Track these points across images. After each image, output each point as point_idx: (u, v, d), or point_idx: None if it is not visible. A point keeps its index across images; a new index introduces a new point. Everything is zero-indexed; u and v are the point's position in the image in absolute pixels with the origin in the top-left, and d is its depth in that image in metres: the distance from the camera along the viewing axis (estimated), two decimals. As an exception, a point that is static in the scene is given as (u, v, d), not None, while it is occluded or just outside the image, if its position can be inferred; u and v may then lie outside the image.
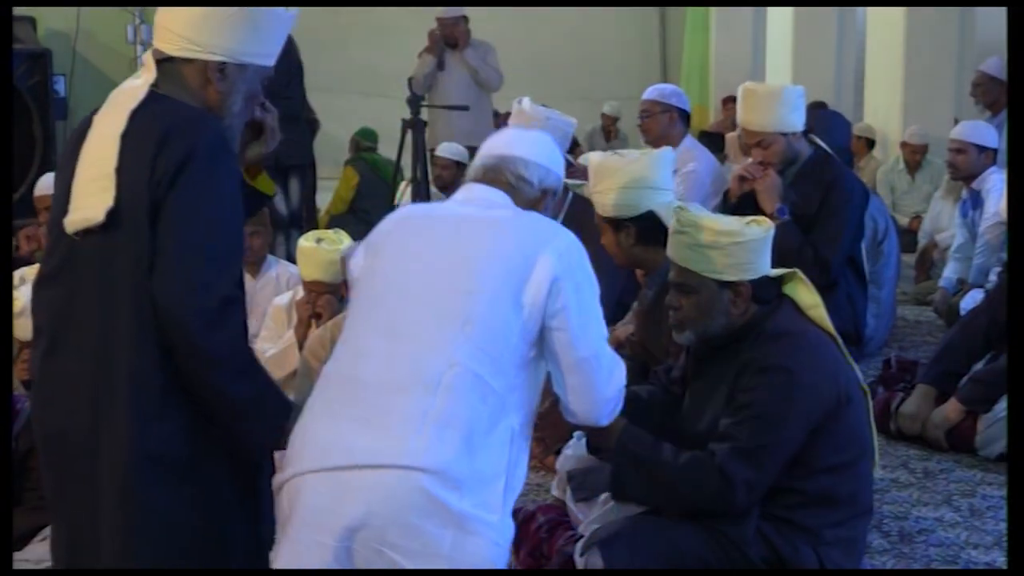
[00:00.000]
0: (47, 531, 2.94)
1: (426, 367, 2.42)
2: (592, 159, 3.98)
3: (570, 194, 4.97)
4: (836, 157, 5.33)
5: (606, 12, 13.40)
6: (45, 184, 5.51)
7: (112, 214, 2.36)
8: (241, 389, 2.42)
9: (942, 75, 9.09)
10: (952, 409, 4.46)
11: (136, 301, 2.36)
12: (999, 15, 7.84)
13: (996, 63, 7.11)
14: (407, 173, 6.57)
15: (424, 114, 6.51)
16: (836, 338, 3.11)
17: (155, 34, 2.53)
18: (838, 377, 3.01)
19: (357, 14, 12.84)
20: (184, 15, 2.47)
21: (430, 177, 6.81)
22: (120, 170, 2.37)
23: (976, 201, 6.29)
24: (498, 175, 2.73)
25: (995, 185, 6.08)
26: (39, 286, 2.53)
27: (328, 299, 4.63)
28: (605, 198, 3.78)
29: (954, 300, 6.05)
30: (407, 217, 2.78)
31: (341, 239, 4.65)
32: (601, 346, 2.57)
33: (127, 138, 2.39)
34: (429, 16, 8.44)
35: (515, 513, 3.42)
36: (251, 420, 2.46)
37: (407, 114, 6.37)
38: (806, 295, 3.12)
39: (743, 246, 3.00)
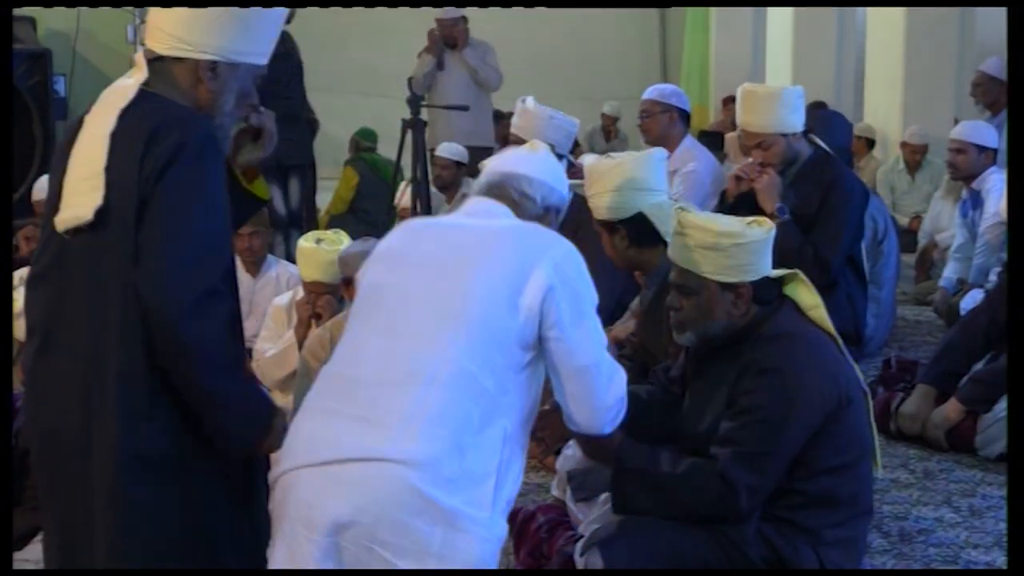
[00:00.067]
0: (47, 531, 2.94)
1: (421, 363, 2.44)
2: (586, 163, 3.99)
3: (570, 194, 4.97)
4: (836, 157, 5.33)
5: (606, 12, 13.38)
6: (41, 187, 5.51)
7: (101, 213, 2.37)
8: (220, 383, 2.40)
9: (942, 75, 9.09)
10: (952, 409, 4.45)
11: (125, 300, 2.36)
12: (999, 15, 7.84)
13: (996, 63, 7.11)
14: (407, 173, 6.57)
15: (424, 114, 6.50)
16: (837, 339, 3.11)
17: (147, 33, 2.53)
18: (838, 378, 3.00)
19: (357, 14, 12.83)
20: (175, 15, 2.47)
21: (430, 177, 6.81)
22: (109, 169, 2.38)
23: (976, 201, 6.28)
24: (502, 191, 2.76)
25: (995, 185, 6.08)
26: (31, 285, 2.53)
27: (328, 299, 4.63)
28: (599, 201, 3.79)
29: (954, 300, 6.05)
30: (410, 228, 2.81)
31: (341, 239, 4.65)
32: (600, 354, 2.58)
33: (116, 137, 2.39)
34: (429, 16, 8.45)
35: (515, 513, 3.44)
36: (231, 417, 2.44)
37: (407, 114, 6.37)
38: (807, 296, 3.12)
39: (744, 248, 2.99)
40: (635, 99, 6.63)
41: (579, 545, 3.04)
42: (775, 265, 3.10)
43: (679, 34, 13.48)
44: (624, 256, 3.82)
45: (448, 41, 8.20)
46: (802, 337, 3.03)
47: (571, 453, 3.61)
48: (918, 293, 7.05)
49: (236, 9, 2.47)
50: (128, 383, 2.38)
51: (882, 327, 5.79)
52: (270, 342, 4.94)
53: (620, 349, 4.27)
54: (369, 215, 8.21)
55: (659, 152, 3.95)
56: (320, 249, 4.60)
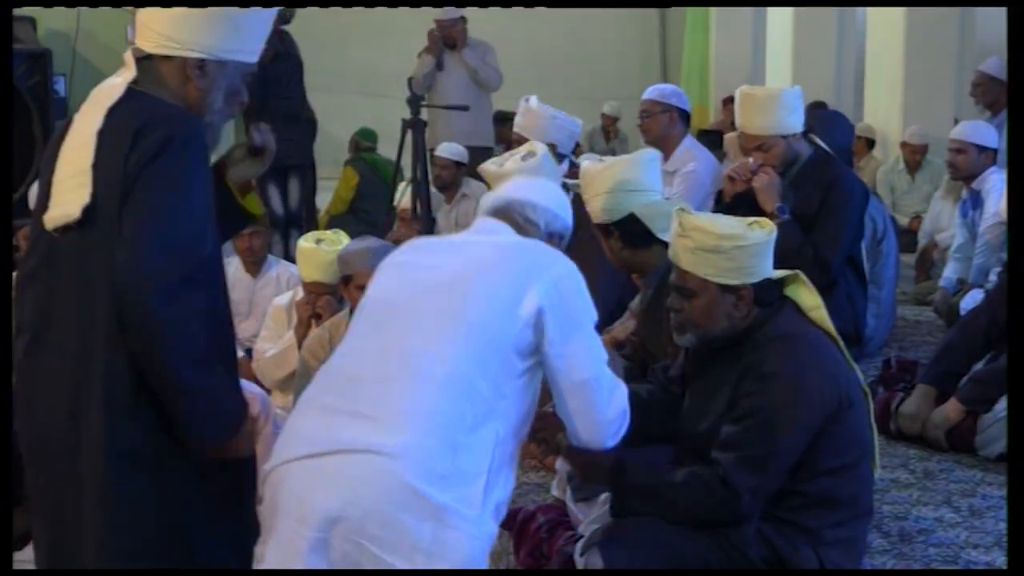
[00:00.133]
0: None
1: (417, 361, 2.47)
2: (581, 167, 4.01)
3: (570, 194, 4.97)
4: (836, 157, 5.32)
5: (606, 12, 13.38)
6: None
7: (89, 211, 2.37)
8: (188, 372, 2.36)
9: (942, 75, 9.08)
10: (952, 409, 4.45)
11: (111, 297, 2.36)
12: (999, 15, 7.83)
13: (996, 63, 7.11)
14: (407, 173, 6.57)
15: (424, 114, 6.51)
16: (838, 340, 3.11)
17: (136, 32, 2.53)
18: (839, 380, 3.00)
19: (357, 14, 12.83)
20: (164, 13, 2.47)
21: (430, 177, 6.81)
22: (96, 166, 2.38)
23: (976, 201, 6.28)
24: (507, 215, 2.83)
25: (995, 185, 6.08)
26: (20, 285, 2.53)
27: (328, 299, 4.64)
28: (593, 204, 3.82)
29: (954, 300, 6.04)
30: (416, 243, 2.87)
31: (341, 240, 4.65)
32: (599, 370, 2.62)
33: (104, 135, 2.40)
34: (429, 16, 8.45)
35: (515, 513, 3.44)
36: (197, 410, 2.39)
37: (407, 114, 6.37)
38: (808, 297, 3.11)
39: (746, 250, 2.99)
40: (635, 99, 6.63)
41: (579, 545, 3.04)
42: (775, 265, 3.10)
43: (679, 34, 13.47)
44: (620, 258, 3.84)
45: (447, 41, 8.20)
46: (803, 338, 3.03)
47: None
48: (918, 293, 7.04)
49: (224, 8, 2.47)
50: (114, 381, 2.38)
51: (882, 327, 5.79)
52: (270, 342, 4.94)
53: (620, 349, 4.27)
54: (369, 215, 8.21)
55: (650, 153, 3.97)
56: (320, 249, 4.61)
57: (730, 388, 3.00)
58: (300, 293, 4.82)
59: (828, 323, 3.10)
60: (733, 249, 2.98)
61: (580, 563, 2.99)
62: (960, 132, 6.40)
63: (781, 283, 3.11)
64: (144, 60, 2.50)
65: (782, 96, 4.99)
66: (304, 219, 7.85)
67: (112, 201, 2.36)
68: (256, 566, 2.55)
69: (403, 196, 6.60)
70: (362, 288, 4.10)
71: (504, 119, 8.76)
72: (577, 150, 6.15)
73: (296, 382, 4.41)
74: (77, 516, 2.44)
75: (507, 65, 8.44)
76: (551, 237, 2.85)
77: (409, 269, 2.69)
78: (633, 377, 3.91)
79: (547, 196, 2.90)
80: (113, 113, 2.42)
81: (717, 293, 3.02)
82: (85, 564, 2.44)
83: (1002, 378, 4.19)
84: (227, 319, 2.56)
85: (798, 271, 3.14)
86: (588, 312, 2.63)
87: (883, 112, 9.60)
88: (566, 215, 2.93)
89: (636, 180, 3.78)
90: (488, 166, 4.88)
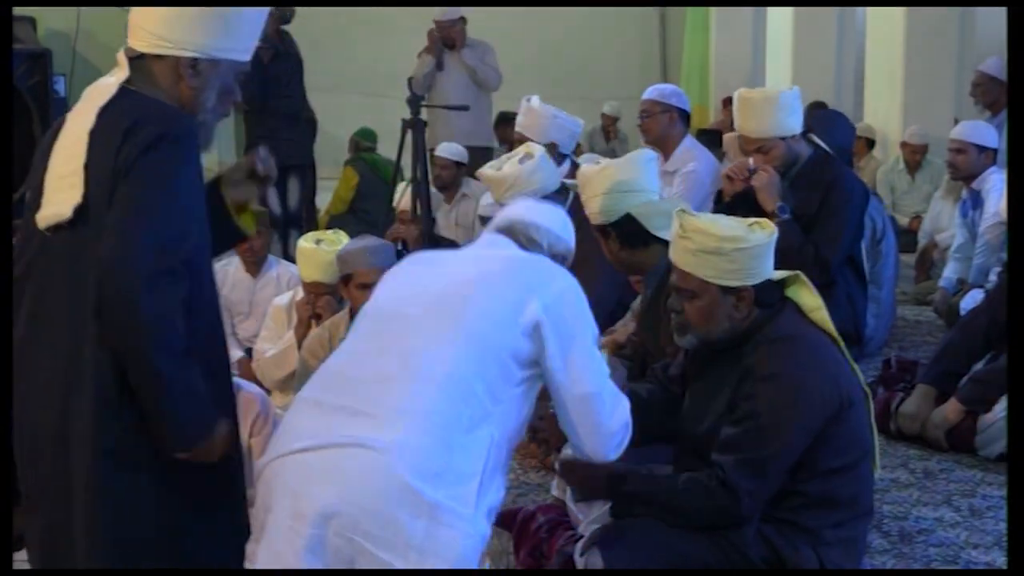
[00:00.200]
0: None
1: (416, 361, 2.48)
2: (579, 169, 4.02)
3: (571, 194, 4.98)
4: (836, 157, 5.33)
5: (606, 12, 13.39)
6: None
7: (80, 210, 2.38)
8: (166, 365, 2.33)
9: (942, 75, 9.09)
10: (952, 409, 4.45)
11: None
12: (999, 15, 7.84)
13: (996, 63, 7.10)
14: (407, 173, 6.56)
15: (424, 114, 6.50)
16: (839, 341, 3.11)
17: (129, 32, 2.53)
18: (839, 380, 3.00)
19: (357, 14, 12.84)
20: (157, 13, 2.47)
21: (430, 177, 6.80)
22: (88, 166, 2.38)
23: (976, 201, 6.28)
24: (511, 234, 2.85)
25: (995, 185, 6.08)
26: (16, 283, 2.53)
27: (328, 299, 4.64)
28: (591, 206, 3.82)
29: (954, 300, 6.04)
30: (419, 256, 2.89)
31: (340, 240, 4.65)
32: (600, 382, 2.64)
33: (96, 134, 2.40)
34: (429, 16, 8.45)
35: (515, 513, 3.44)
36: (171, 406, 2.36)
37: (407, 114, 6.36)
38: (808, 298, 3.11)
39: (747, 252, 2.98)
40: (635, 99, 6.63)
41: (579, 545, 3.04)
42: (775, 264, 3.10)
43: (679, 34, 13.47)
44: (619, 258, 3.84)
45: (446, 42, 8.20)
46: (803, 340, 3.03)
47: (571, 453, 3.61)
48: (918, 293, 7.05)
49: (217, 7, 2.47)
50: (103, 380, 2.38)
51: (882, 327, 5.79)
52: (270, 342, 4.94)
53: (621, 349, 4.27)
54: (369, 215, 8.20)
55: (645, 153, 3.98)
56: (320, 249, 4.61)
57: (730, 389, 3.00)
58: (300, 293, 4.82)
59: (829, 324, 3.10)
60: (734, 251, 2.98)
61: (580, 563, 2.99)
62: (960, 132, 6.40)
63: (782, 284, 3.11)
64: (137, 60, 2.50)
65: (780, 98, 4.99)
66: (304, 219, 7.85)
67: (103, 199, 2.36)
68: (248, 565, 2.55)
69: (403, 196, 6.59)
70: (362, 287, 4.13)
71: (506, 120, 8.76)
72: (577, 150, 6.15)
73: (296, 382, 4.41)
74: (68, 514, 2.44)
75: (507, 65, 8.44)
76: (554, 258, 2.86)
77: (412, 277, 2.72)
78: (633, 377, 3.91)
79: (551, 219, 2.93)
80: (105, 112, 2.42)
81: (718, 295, 3.02)
82: (76, 562, 2.44)
83: (1002, 378, 4.19)
84: (202, 315, 2.49)
85: (799, 272, 3.14)
86: (588, 326, 2.66)
87: (883, 112, 9.60)
88: (569, 237, 2.96)
89: (632, 181, 3.78)
90: (486, 170, 4.89)
